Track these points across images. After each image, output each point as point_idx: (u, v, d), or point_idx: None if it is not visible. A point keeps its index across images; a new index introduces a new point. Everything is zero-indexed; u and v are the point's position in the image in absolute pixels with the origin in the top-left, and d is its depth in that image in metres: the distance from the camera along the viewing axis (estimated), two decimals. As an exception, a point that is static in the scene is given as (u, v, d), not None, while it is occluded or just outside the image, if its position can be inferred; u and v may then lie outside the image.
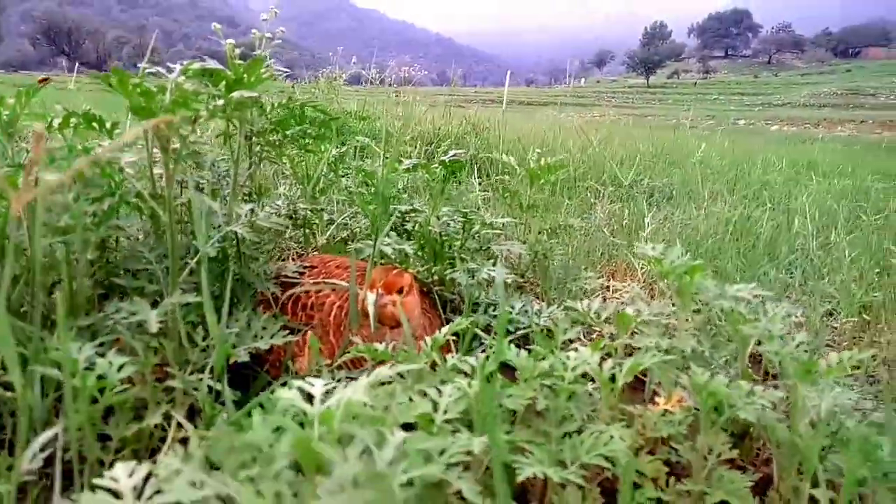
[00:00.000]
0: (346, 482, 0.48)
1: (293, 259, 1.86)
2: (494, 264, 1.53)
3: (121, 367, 0.86)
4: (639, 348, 1.14)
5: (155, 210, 1.25)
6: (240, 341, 1.11)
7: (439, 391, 0.82)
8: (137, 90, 0.93)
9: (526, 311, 1.53)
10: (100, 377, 0.83)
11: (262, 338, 1.12)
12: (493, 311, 1.50)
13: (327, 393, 0.70)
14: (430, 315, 1.40)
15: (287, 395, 0.70)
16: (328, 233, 2.04)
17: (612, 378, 0.93)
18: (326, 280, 1.29)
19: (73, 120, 1.25)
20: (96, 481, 0.59)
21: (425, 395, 0.83)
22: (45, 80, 1.20)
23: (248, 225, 1.11)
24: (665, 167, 5.40)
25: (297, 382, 0.71)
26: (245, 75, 1.18)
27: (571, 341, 1.15)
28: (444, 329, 1.04)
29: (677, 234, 2.76)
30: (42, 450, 0.85)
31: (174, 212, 1.11)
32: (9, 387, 0.83)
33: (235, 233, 1.19)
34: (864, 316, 1.91)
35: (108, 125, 1.23)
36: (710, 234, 2.76)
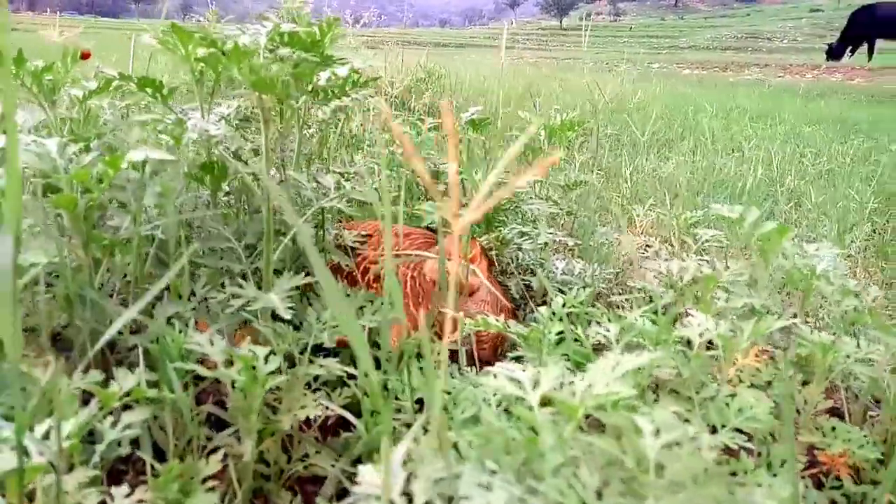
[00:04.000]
0: (684, 479, 0.49)
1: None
2: (544, 227, 1.54)
3: (266, 358, 0.82)
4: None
5: (218, 185, 1.17)
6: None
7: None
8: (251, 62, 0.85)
9: (572, 272, 1.56)
10: (251, 371, 0.79)
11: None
12: (543, 272, 1.51)
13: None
14: (492, 281, 1.40)
15: (494, 382, 0.69)
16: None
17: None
18: (409, 252, 1.26)
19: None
20: (358, 481, 0.57)
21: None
22: (87, 54, 1.10)
23: (339, 198, 1.06)
24: (609, 114, 5.50)
25: (501, 368, 0.70)
26: (321, 38, 1.10)
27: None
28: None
29: (659, 185, 2.85)
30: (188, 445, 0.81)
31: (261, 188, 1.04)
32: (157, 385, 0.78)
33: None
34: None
35: (164, 91, 1.13)
36: (684, 184, 2.87)
